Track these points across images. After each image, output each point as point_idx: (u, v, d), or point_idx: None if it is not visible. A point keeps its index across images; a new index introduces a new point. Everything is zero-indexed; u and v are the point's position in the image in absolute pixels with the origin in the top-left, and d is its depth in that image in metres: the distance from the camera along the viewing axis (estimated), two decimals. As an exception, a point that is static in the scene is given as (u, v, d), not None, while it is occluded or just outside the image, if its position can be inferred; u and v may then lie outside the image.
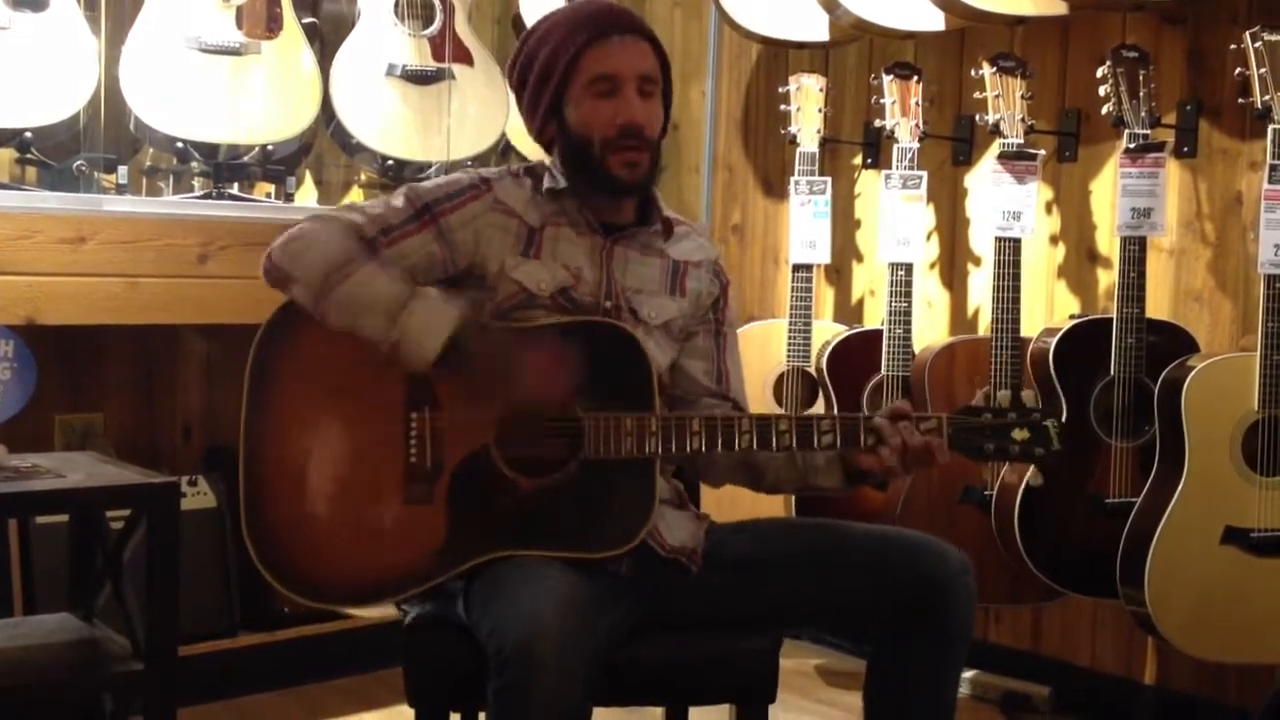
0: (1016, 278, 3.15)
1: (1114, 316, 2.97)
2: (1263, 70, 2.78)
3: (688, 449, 2.05)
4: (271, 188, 3.48)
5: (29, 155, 3.12)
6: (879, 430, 2.05)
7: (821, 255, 3.65)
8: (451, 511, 2.04)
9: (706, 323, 2.28)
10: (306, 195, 3.73)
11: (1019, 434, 2.10)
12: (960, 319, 3.66)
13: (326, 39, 3.59)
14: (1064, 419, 2.13)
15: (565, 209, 2.18)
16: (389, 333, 2.01)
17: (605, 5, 2.18)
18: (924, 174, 3.40)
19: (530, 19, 3.94)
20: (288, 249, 2.08)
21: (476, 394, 2.04)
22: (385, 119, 3.54)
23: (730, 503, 3.33)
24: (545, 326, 2.10)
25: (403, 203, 2.14)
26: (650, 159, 2.15)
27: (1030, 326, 3.21)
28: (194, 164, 3.31)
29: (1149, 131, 3.00)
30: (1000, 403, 2.11)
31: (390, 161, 3.56)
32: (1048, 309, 3.45)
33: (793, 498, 3.45)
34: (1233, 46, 2.89)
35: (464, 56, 3.65)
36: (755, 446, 2.06)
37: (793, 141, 3.65)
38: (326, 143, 3.65)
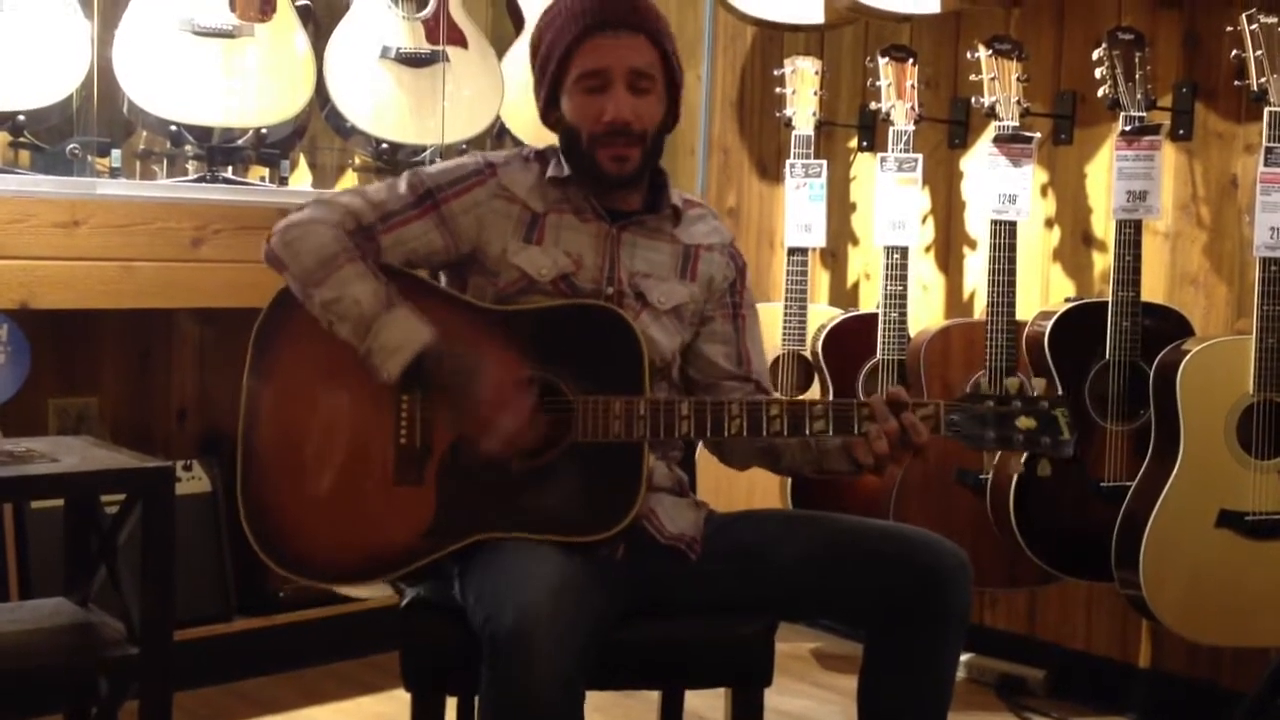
0: (1012, 261, 3.15)
1: (1109, 300, 2.97)
2: (1259, 52, 2.77)
3: (676, 433, 2.05)
4: (265, 171, 3.47)
5: (22, 138, 3.11)
6: (875, 414, 2.02)
7: (817, 239, 3.64)
8: (441, 493, 2.05)
9: (724, 306, 2.28)
10: (300, 179, 3.72)
11: (1024, 422, 2.04)
12: (956, 302, 3.66)
13: (320, 21, 3.57)
14: (1071, 410, 2.05)
15: (570, 196, 2.18)
16: (359, 345, 2.04)
17: None
18: (919, 157, 3.40)
19: (524, 1, 3.92)
20: (285, 236, 2.10)
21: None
22: (379, 102, 3.53)
23: (728, 491, 3.34)
24: (536, 310, 2.10)
25: (405, 188, 2.15)
26: (642, 153, 2.15)
27: (1026, 310, 3.21)
28: (188, 147, 3.30)
29: (1145, 114, 3.00)
30: (1007, 389, 2.05)
31: (384, 145, 3.55)
32: (1043, 292, 3.45)
33: (789, 489, 3.46)
34: (1229, 29, 2.88)
35: (458, 39, 3.63)
36: (745, 432, 2.05)
37: (788, 124, 3.64)
38: (320, 126, 3.64)
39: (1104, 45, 3.00)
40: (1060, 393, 2.96)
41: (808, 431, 2.05)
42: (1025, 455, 2.98)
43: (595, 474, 2.04)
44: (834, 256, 3.92)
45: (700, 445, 2.38)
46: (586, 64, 2.11)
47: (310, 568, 2.10)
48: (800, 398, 2.12)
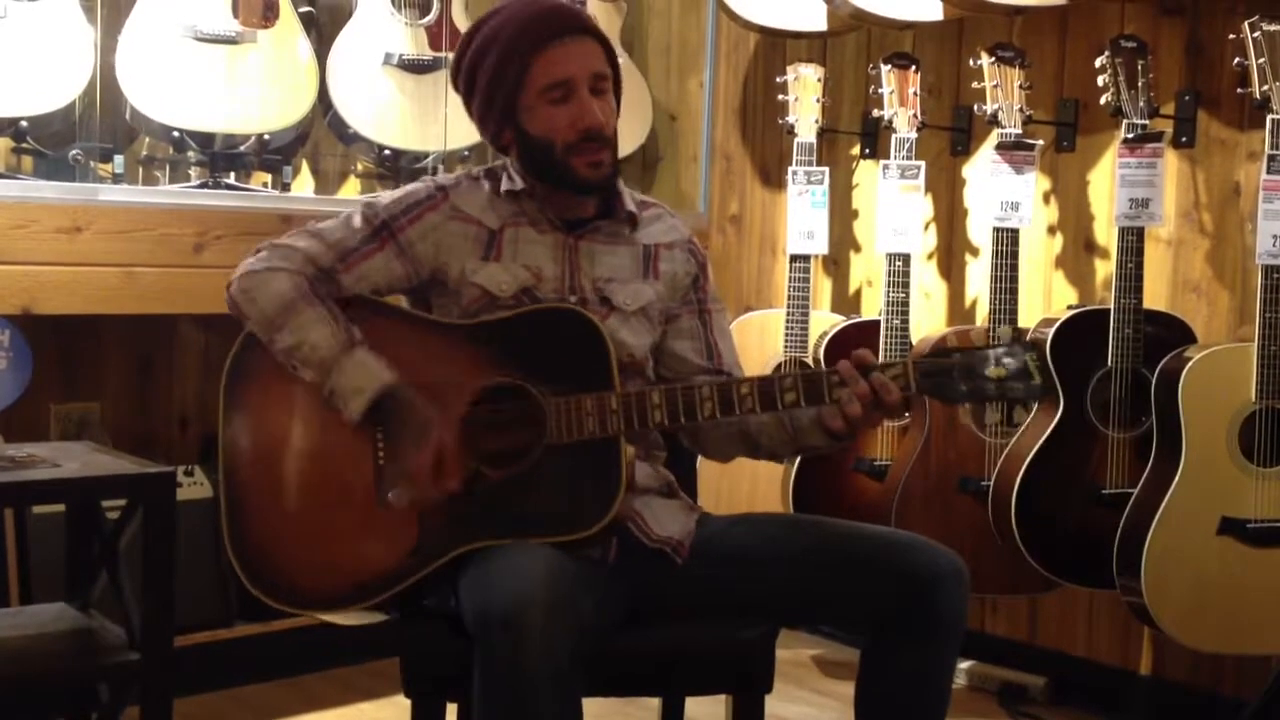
0: (1014, 268, 3.15)
1: (1111, 307, 2.97)
2: (1261, 60, 2.78)
3: (650, 423, 2.05)
4: (268, 177, 3.47)
5: (25, 144, 3.11)
6: (845, 379, 2.01)
7: (819, 245, 3.64)
8: (423, 511, 2.04)
9: (689, 302, 2.29)
10: (303, 185, 3.72)
11: (994, 371, 2.01)
12: (958, 309, 3.65)
13: (323, 28, 3.58)
14: (1042, 355, 2.04)
15: (525, 209, 2.19)
16: (323, 387, 2.06)
17: (548, 6, 2.16)
18: (922, 164, 3.40)
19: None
20: (243, 284, 2.13)
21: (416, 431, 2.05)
22: (382, 108, 3.53)
23: (729, 496, 3.34)
24: (499, 320, 2.11)
25: (360, 222, 2.16)
26: (612, 155, 2.15)
27: (1028, 317, 3.21)
28: (190, 153, 3.31)
29: (1147, 122, 3.00)
30: (973, 340, 2.04)
31: (387, 151, 3.55)
32: (1045, 299, 3.45)
33: (790, 494, 3.45)
34: (1231, 36, 2.88)
35: (461, 46, 3.64)
36: (719, 413, 2.05)
37: (790, 131, 3.65)
38: (323, 132, 3.65)
39: (1106, 53, 3.00)
40: (1060, 396, 2.97)
41: (779, 405, 2.04)
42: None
43: (574, 474, 2.04)
44: (836, 263, 3.92)
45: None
46: (551, 75, 2.11)
47: (304, 598, 2.10)
48: (769, 374, 2.10)
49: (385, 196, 2.21)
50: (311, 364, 2.06)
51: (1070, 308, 3.11)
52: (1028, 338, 3.10)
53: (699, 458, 2.43)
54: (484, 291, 2.13)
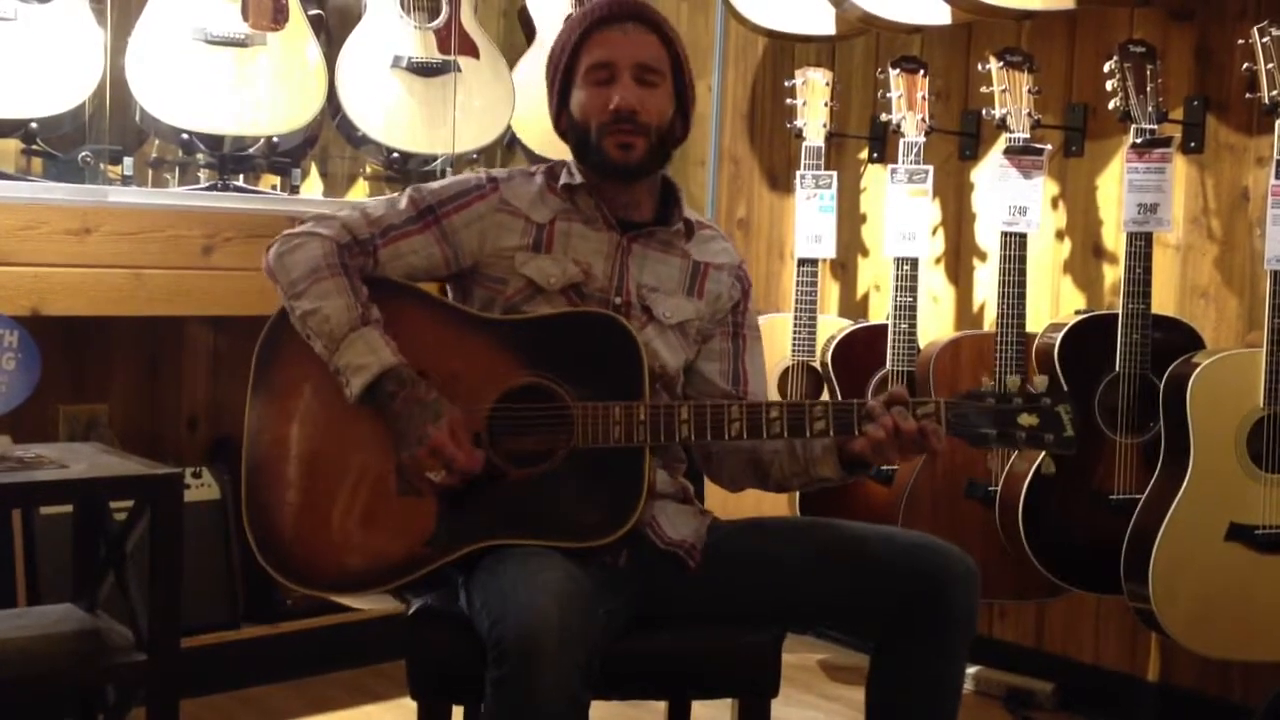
0: (1022, 273, 3.15)
1: (1119, 312, 2.97)
2: (1270, 65, 2.78)
3: (676, 437, 2.05)
4: (277, 180, 3.48)
5: (34, 146, 3.12)
6: (871, 413, 2.03)
7: (827, 250, 3.64)
8: (442, 502, 2.05)
9: (725, 325, 2.29)
10: (312, 187, 3.73)
11: (1026, 419, 2.03)
12: (965, 314, 3.65)
13: (332, 31, 3.59)
14: (1074, 408, 2.05)
15: (580, 205, 2.20)
16: (329, 360, 2.06)
17: None
18: (930, 168, 3.40)
19: (536, 11, 3.93)
20: (279, 249, 2.14)
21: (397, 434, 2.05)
22: (391, 111, 3.53)
23: (735, 501, 3.33)
24: (535, 319, 2.11)
25: (406, 203, 2.18)
26: (648, 144, 2.15)
27: (1035, 322, 3.21)
28: (199, 156, 3.31)
29: (1156, 127, 3.00)
30: (1008, 387, 2.05)
31: (395, 154, 3.55)
32: (1053, 304, 3.45)
33: (797, 496, 3.45)
34: (1240, 41, 2.88)
35: (470, 49, 3.64)
36: (745, 435, 2.05)
37: (798, 135, 3.64)
38: (332, 135, 3.65)
39: (1115, 58, 3.00)
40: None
41: (808, 432, 2.05)
42: (1037, 462, 2.98)
43: (597, 480, 2.05)
44: (844, 267, 3.92)
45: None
46: (595, 56, 2.15)
47: (315, 579, 2.10)
48: (799, 400, 2.11)
49: (435, 183, 2.22)
50: (322, 335, 2.05)
51: (1078, 312, 3.11)
52: (1035, 343, 3.10)
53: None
54: (529, 282, 2.14)
